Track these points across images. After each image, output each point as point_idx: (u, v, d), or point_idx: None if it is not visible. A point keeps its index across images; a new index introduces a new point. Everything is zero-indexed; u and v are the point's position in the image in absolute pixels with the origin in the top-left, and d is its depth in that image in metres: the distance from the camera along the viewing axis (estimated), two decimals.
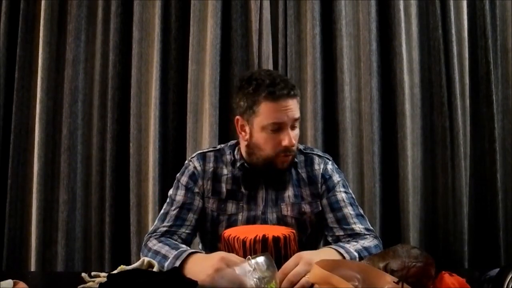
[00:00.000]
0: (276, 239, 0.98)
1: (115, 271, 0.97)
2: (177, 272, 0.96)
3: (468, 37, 1.95)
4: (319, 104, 1.92)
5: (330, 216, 1.28)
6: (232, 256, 0.95)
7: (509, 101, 1.99)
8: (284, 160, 1.24)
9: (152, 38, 1.98)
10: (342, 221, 1.26)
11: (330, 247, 1.08)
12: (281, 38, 1.97)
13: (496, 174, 1.91)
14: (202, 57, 1.96)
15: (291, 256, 0.97)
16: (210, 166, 1.31)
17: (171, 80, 1.99)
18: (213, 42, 1.93)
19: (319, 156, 1.36)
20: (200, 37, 1.96)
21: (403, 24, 1.93)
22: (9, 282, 0.84)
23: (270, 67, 1.95)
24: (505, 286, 0.79)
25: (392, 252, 0.87)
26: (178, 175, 1.34)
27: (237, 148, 1.34)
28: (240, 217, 1.27)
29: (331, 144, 1.94)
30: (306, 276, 0.89)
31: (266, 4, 1.97)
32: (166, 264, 1.05)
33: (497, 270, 0.86)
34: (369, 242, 1.17)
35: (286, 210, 1.28)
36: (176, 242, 1.18)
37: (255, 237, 0.98)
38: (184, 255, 1.03)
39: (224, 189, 1.29)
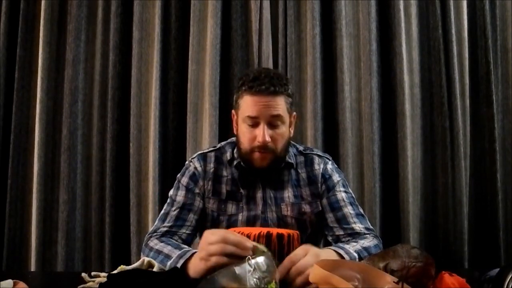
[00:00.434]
0: (280, 236, 0.99)
1: (115, 271, 0.97)
2: (177, 272, 0.96)
3: (468, 37, 1.95)
4: (319, 104, 1.92)
5: (330, 216, 1.28)
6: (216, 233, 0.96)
7: (509, 101, 1.99)
8: (261, 157, 1.22)
9: (152, 38, 1.98)
10: (342, 220, 1.26)
11: (330, 248, 1.08)
12: (281, 38, 1.97)
13: (496, 174, 1.91)
14: (202, 57, 1.96)
15: None
16: (211, 166, 1.32)
17: (171, 80, 1.99)
18: (213, 42, 1.93)
19: (319, 156, 1.36)
20: (200, 37, 1.96)
21: (403, 24, 1.93)
22: (9, 282, 0.84)
23: (270, 67, 1.95)
24: (505, 286, 0.79)
25: (392, 252, 0.87)
26: (178, 175, 1.34)
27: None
28: (240, 217, 1.28)
29: (331, 144, 1.94)
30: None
31: (266, 4, 1.97)
32: (169, 263, 1.05)
33: (497, 270, 0.86)
34: (369, 241, 1.18)
35: (286, 210, 1.28)
36: (177, 243, 1.19)
37: (260, 232, 0.98)
38: (188, 254, 1.03)
39: (224, 190, 1.30)
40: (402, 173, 1.89)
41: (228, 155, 1.33)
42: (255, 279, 0.82)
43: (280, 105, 1.21)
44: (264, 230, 1.00)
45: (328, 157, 1.39)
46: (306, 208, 1.29)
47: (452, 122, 1.92)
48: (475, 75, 1.97)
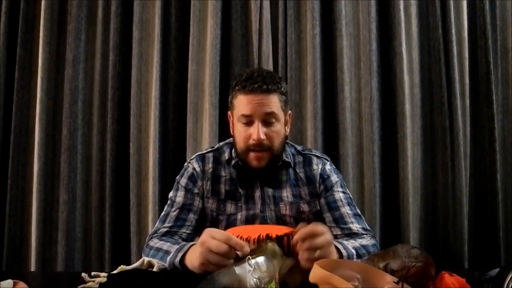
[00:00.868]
0: (279, 238, 0.99)
1: (115, 271, 0.97)
2: (177, 272, 0.96)
3: (468, 37, 1.95)
4: (319, 104, 1.92)
5: (327, 216, 1.29)
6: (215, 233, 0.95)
7: (509, 101, 1.99)
8: (258, 158, 1.23)
9: (152, 38, 1.98)
10: (340, 220, 1.27)
11: None
12: (281, 38, 1.97)
13: (496, 174, 1.91)
14: (202, 57, 1.96)
15: (293, 254, 0.96)
16: (210, 166, 1.32)
17: (171, 80, 1.99)
18: (213, 42, 1.93)
19: (317, 156, 1.37)
20: (200, 37, 1.96)
21: (403, 24, 1.93)
22: (9, 282, 0.84)
23: (270, 67, 1.95)
24: (505, 286, 0.79)
25: (392, 252, 0.87)
26: (177, 177, 1.35)
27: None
28: (239, 216, 1.28)
29: (331, 144, 1.94)
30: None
31: (266, 4, 1.97)
32: (168, 258, 1.06)
33: (497, 270, 0.86)
34: (367, 241, 1.19)
35: (285, 209, 1.29)
36: (177, 241, 1.19)
37: (259, 236, 0.98)
38: (186, 247, 1.04)
39: (223, 190, 1.30)
40: (402, 173, 1.89)
41: (226, 155, 1.33)
42: (255, 279, 0.82)
43: (274, 103, 1.22)
44: (263, 232, 1.00)
45: (327, 158, 1.40)
46: (305, 207, 1.30)
47: (452, 122, 1.92)
48: (475, 75, 1.97)
